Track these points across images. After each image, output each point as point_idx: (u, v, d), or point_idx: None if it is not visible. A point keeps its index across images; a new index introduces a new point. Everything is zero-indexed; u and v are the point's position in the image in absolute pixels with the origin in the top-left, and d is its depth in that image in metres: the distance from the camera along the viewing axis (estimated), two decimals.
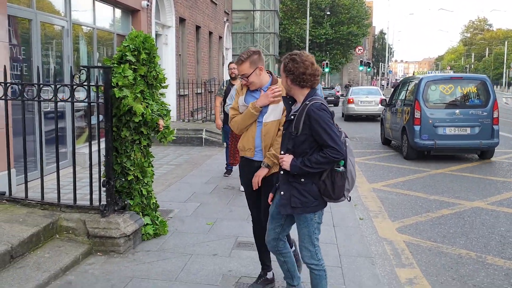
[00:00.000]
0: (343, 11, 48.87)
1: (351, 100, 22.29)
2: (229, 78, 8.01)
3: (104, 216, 4.74)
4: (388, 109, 13.31)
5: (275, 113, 3.75)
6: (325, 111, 3.15)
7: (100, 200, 4.91)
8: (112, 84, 4.66)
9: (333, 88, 38.63)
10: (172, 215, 5.97)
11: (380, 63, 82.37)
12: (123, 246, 4.68)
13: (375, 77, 78.13)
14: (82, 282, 4.07)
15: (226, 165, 8.19)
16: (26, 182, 5.13)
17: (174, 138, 5.40)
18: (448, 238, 5.65)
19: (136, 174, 4.96)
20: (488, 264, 4.88)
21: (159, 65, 5.02)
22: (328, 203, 3.33)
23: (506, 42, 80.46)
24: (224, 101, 7.69)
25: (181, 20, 15.75)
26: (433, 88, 10.96)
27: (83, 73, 4.77)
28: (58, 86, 4.83)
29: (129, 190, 5.00)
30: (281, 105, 3.71)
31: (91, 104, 4.92)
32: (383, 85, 65.42)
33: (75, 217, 4.80)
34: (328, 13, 48.51)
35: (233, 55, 26.71)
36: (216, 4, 21.07)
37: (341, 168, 3.17)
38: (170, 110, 5.27)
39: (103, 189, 4.82)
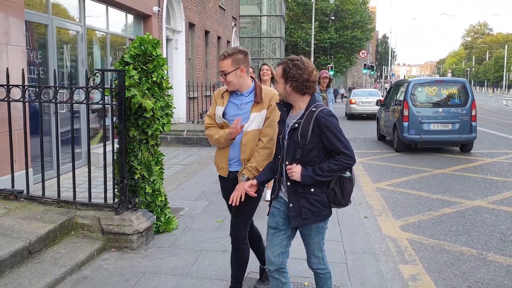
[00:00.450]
0: (347, 16, 48.78)
1: (353, 101, 24.02)
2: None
3: (118, 213, 4.77)
4: (383, 108, 14.28)
5: (257, 121, 3.43)
6: (334, 117, 2.99)
7: (114, 198, 4.94)
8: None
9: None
10: (182, 213, 6.01)
11: (383, 66, 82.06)
12: (136, 242, 4.71)
13: (377, 80, 77.93)
14: (97, 277, 4.10)
15: None
16: (43, 181, 5.17)
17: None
18: (450, 236, 5.63)
19: (142, 173, 5.00)
20: (489, 261, 4.87)
21: (161, 69, 5.04)
22: None
23: (506, 46, 79.90)
24: None
25: (191, 25, 15.80)
26: (419, 90, 12.15)
27: (97, 76, 4.80)
28: (74, 88, 4.87)
29: (135, 188, 5.03)
30: (263, 114, 3.42)
31: (105, 106, 4.97)
32: (386, 88, 65.24)
33: (90, 215, 4.83)
34: (333, 18, 48.44)
35: None
36: (224, 9, 21.11)
37: (348, 174, 3.04)
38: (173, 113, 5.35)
39: (116, 187, 4.86)
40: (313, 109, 2.98)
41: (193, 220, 5.75)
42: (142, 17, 11.81)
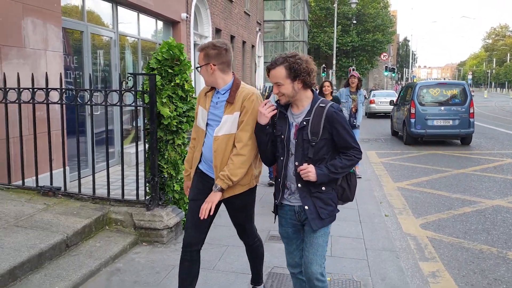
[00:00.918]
0: (369, 20, 48.32)
1: (373, 101, 25.82)
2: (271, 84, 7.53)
3: (149, 209, 4.86)
4: (395, 107, 15.56)
5: (228, 125, 3.02)
6: (342, 112, 2.83)
7: (145, 195, 5.03)
8: (142, 89, 4.83)
9: None
10: None
11: (404, 69, 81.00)
12: (166, 237, 4.79)
13: (398, 82, 76.91)
14: (129, 269, 4.19)
15: (269, 173, 7.76)
16: (79, 178, 5.30)
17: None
18: (469, 234, 5.55)
19: (169, 171, 5.07)
20: (509, 259, 4.78)
21: (185, 73, 5.09)
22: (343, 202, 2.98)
23: None
24: None
25: (217, 31, 15.90)
26: (424, 91, 13.57)
27: (130, 80, 4.90)
28: (108, 91, 4.98)
29: (163, 186, 5.11)
30: (235, 116, 3.01)
31: (137, 108, 5.07)
32: None
33: (123, 211, 4.93)
34: (355, 22, 48.07)
35: (264, 62, 26.79)
36: (249, 15, 21.18)
37: (353, 168, 2.91)
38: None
39: (147, 185, 4.95)
40: (322, 105, 2.77)
41: (220, 217, 5.75)
42: (171, 23, 11.95)
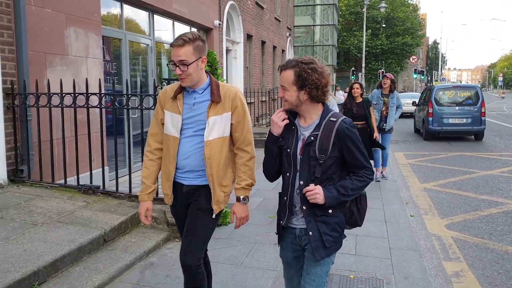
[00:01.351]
0: (398, 24, 47.59)
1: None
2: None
3: None
4: (417, 108, 16.91)
5: (219, 127, 2.65)
6: (356, 128, 2.44)
7: None
8: None
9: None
10: None
11: (434, 71, 79.18)
12: None
13: (428, 84, 75.25)
14: (162, 264, 4.28)
15: None
16: (117, 178, 5.46)
17: None
18: (495, 235, 5.41)
19: None
20: None
21: (221, 76, 5.17)
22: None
23: None
24: None
25: (249, 37, 15.99)
26: (441, 93, 14.78)
27: (164, 85, 5.01)
28: (143, 96, 5.11)
29: None
30: (226, 117, 2.66)
31: None
32: None
33: (157, 208, 5.04)
34: (384, 25, 47.42)
35: None
36: (279, 21, 21.20)
37: (364, 190, 2.53)
38: None
39: None
40: (332, 119, 2.38)
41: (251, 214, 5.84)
42: (204, 30, 12.10)
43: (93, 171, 5.57)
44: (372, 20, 46.91)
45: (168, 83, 4.93)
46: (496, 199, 7.07)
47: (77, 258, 3.96)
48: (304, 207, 2.43)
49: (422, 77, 55.62)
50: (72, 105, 5.37)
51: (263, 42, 18.11)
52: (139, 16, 8.77)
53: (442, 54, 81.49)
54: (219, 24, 12.52)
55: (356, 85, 7.75)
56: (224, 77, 11.76)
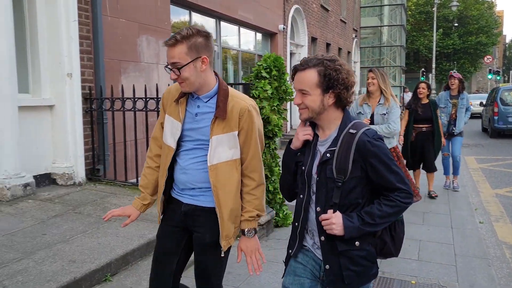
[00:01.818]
0: (472, 22, 45.18)
1: (470, 103, 25.90)
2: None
3: None
4: (484, 108, 18.02)
5: (226, 148, 2.14)
6: (383, 141, 1.97)
7: None
8: (253, 95, 5.03)
9: None
10: None
11: (511, 71, 74.35)
12: (258, 233, 4.94)
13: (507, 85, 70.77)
14: None
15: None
16: None
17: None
18: None
19: (266, 173, 5.23)
20: None
21: (288, 80, 5.25)
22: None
23: None
24: None
25: (313, 39, 15.96)
26: (506, 93, 15.79)
27: None
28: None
29: None
30: (233, 136, 2.14)
31: None
32: None
33: None
34: (456, 24, 45.26)
35: (360, 67, 26.30)
36: (345, 22, 20.94)
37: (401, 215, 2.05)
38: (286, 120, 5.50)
39: None
40: (352, 131, 1.93)
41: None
42: (269, 35, 12.25)
43: None
44: (443, 19, 44.93)
45: (232, 87, 5.07)
46: None
47: (146, 253, 4.17)
48: (322, 238, 1.98)
49: (498, 78, 52.38)
50: (144, 109, 5.67)
51: (328, 44, 17.98)
52: (207, 23, 9.07)
53: None
54: (283, 28, 12.61)
55: (422, 85, 7.06)
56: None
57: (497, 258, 4.69)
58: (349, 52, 22.41)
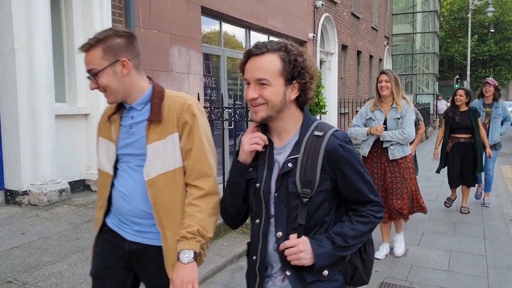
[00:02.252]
0: (509, 28, 43.91)
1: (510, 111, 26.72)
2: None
3: None
4: None
5: (162, 157, 1.78)
6: (352, 144, 1.60)
7: None
8: None
9: None
10: None
11: None
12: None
13: None
14: None
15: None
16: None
17: None
18: None
19: None
20: None
21: (322, 93, 5.25)
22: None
23: None
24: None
25: (343, 47, 15.89)
26: None
27: None
28: (236, 108, 5.37)
29: None
30: (172, 140, 1.79)
31: None
32: None
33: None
34: (492, 30, 44.06)
35: None
36: (376, 30, 20.75)
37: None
38: None
39: None
40: (318, 133, 1.56)
41: None
42: (298, 43, 12.27)
43: None
44: (479, 25, 43.83)
45: None
46: None
47: None
48: (288, 273, 1.59)
49: None
50: None
51: (358, 52, 17.85)
52: (236, 33, 9.19)
53: None
54: (313, 36, 12.62)
55: (460, 92, 6.52)
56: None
57: None
58: (380, 60, 22.16)
